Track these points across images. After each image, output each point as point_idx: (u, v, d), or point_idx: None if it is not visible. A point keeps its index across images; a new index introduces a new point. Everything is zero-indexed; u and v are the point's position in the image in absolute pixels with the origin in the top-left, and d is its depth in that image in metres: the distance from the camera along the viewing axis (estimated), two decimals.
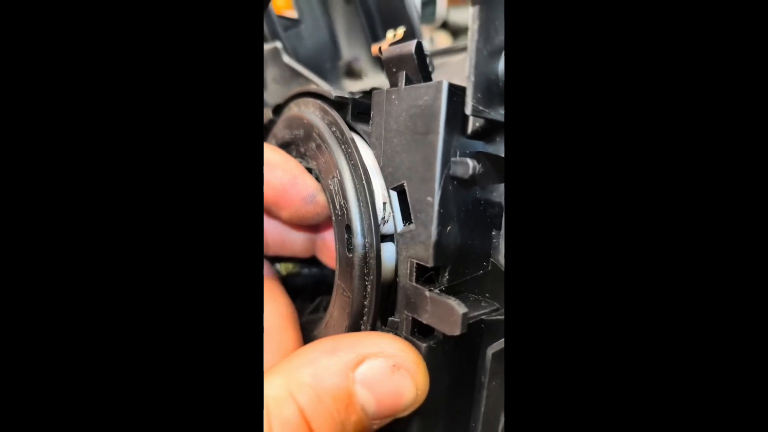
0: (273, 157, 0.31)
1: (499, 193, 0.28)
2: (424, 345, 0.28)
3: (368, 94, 0.31)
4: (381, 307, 0.30)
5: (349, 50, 0.43)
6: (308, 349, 0.27)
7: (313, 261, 0.39)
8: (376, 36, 0.41)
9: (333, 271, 0.32)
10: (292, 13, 0.40)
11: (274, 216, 0.34)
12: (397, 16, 0.37)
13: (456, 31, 1.03)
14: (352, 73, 0.39)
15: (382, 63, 0.31)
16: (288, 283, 0.37)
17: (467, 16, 0.24)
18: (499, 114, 0.26)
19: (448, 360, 0.29)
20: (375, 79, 0.40)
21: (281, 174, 0.31)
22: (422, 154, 0.27)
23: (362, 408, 0.26)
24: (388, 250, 0.30)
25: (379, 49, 0.31)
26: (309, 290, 0.39)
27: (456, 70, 0.33)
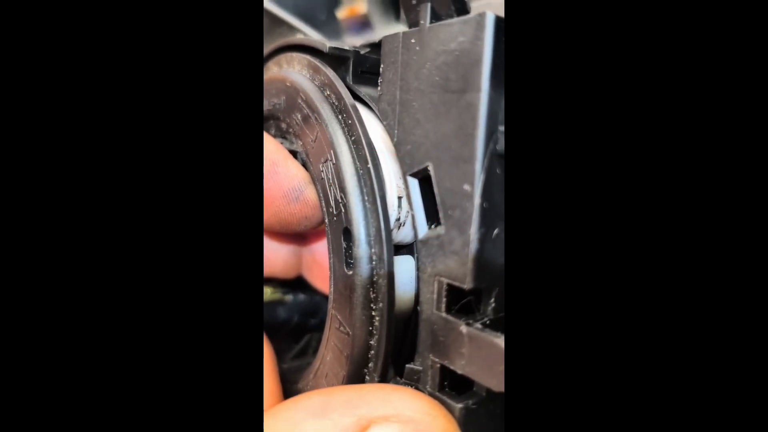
0: None
1: None
2: (459, 406, 0.22)
3: (377, 46, 0.25)
4: (395, 350, 0.24)
5: None
6: (289, 408, 0.21)
7: (298, 284, 0.33)
8: None
9: (326, 298, 0.26)
10: None
11: None
12: None
13: None
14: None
15: (398, 6, 0.26)
16: (264, 314, 0.32)
17: None
18: None
19: (495, 421, 0.23)
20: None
21: None
22: (457, 121, 0.21)
23: None
24: (405, 266, 0.24)
25: None
26: (294, 325, 0.33)
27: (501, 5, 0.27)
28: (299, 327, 0.33)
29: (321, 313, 0.33)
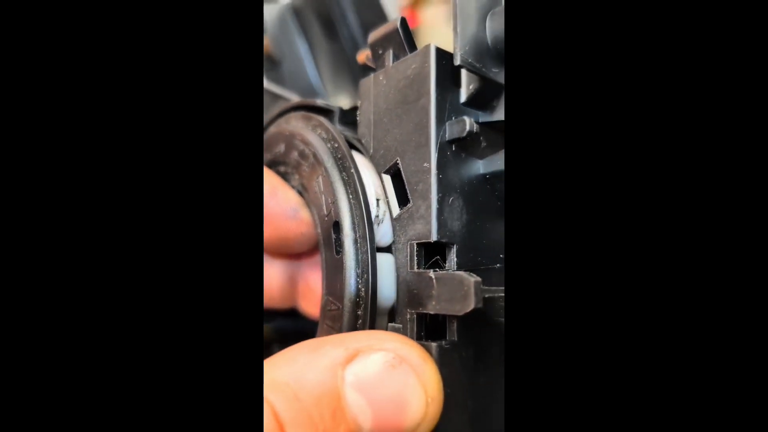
0: None
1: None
2: (434, 344, 0.26)
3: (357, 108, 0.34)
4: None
5: (335, 90, 0.48)
6: (288, 349, 0.25)
7: (293, 317, 0.37)
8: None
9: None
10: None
11: None
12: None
13: None
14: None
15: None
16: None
17: None
18: (492, 73, 0.29)
19: (467, 369, 0.27)
20: None
21: None
22: (414, 121, 0.29)
23: (354, 420, 0.23)
24: (385, 259, 0.30)
25: (367, 56, 0.36)
26: None
27: None
28: None
29: None
